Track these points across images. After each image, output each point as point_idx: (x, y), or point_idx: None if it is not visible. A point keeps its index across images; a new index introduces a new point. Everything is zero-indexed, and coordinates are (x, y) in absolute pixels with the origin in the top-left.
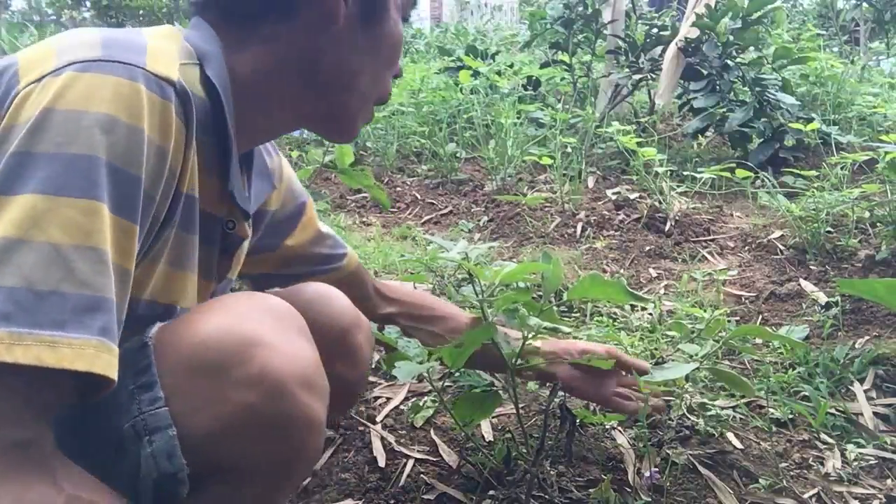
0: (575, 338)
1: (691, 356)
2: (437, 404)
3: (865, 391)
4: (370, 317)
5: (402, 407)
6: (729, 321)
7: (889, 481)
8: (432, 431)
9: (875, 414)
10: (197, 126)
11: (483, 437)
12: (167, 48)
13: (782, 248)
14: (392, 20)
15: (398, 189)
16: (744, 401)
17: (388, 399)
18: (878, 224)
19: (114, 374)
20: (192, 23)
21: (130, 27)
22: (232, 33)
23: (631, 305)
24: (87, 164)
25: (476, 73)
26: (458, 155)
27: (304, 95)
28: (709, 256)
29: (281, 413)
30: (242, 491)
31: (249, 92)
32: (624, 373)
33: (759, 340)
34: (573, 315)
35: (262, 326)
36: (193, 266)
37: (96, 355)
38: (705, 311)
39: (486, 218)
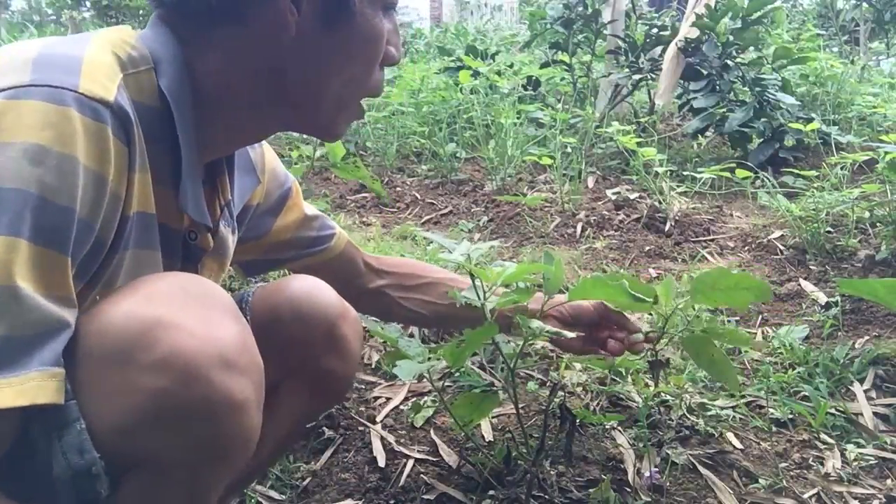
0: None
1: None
2: (437, 404)
3: (865, 391)
4: (364, 292)
5: (402, 407)
6: (728, 321)
7: (889, 481)
8: (432, 431)
9: (875, 414)
10: (147, 138)
11: (483, 437)
12: (107, 61)
13: (782, 248)
14: (361, 16)
15: (398, 189)
16: (744, 401)
17: (388, 399)
18: (878, 224)
19: (60, 397)
20: (151, 21)
21: (123, 26)
22: (189, 33)
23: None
24: (16, 198)
25: (476, 73)
26: (458, 155)
27: (272, 102)
28: (709, 256)
29: (195, 396)
30: (170, 481)
31: (213, 97)
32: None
33: (759, 339)
34: None
35: (171, 307)
36: None
37: (39, 386)
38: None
39: (486, 218)
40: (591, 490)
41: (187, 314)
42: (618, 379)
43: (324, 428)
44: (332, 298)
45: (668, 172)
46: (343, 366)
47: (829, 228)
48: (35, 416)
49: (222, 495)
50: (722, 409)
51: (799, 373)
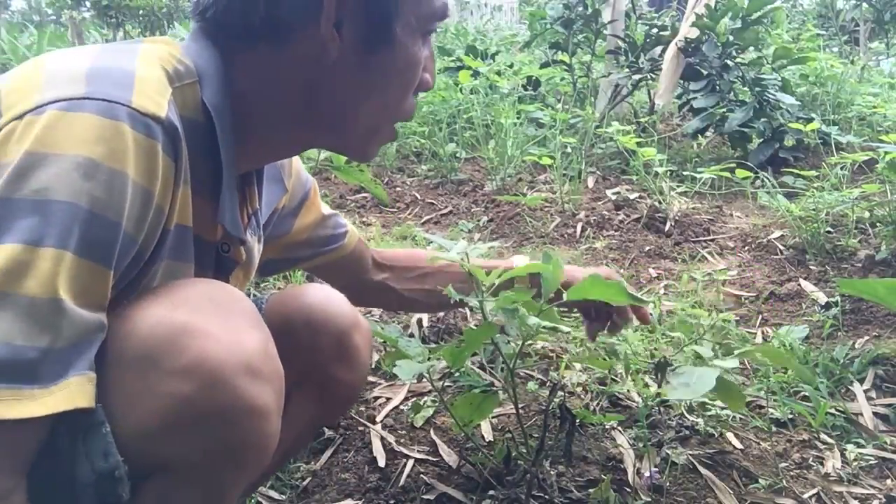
0: (574, 338)
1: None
2: (437, 404)
3: (865, 391)
4: (369, 286)
5: (402, 407)
6: (728, 322)
7: (889, 481)
8: (432, 431)
9: (875, 414)
10: (190, 151)
11: (483, 437)
12: (157, 76)
13: (782, 248)
14: (400, 44)
15: (398, 189)
16: (742, 409)
17: (388, 399)
18: (878, 224)
19: (93, 401)
20: (192, 33)
21: (127, 38)
22: (231, 49)
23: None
24: (66, 212)
25: (476, 73)
26: (457, 155)
27: (307, 122)
28: (709, 256)
29: (220, 402)
30: (190, 485)
31: (250, 113)
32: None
33: (759, 340)
34: (573, 315)
35: (197, 314)
36: None
37: (78, 391)
38: (706, 311)
39: (485, 218)
40: (591, 490)
41: (213, 321)
42: (618, 379)
43: (324, 428)
44: (345, 308)
45: (668, 172)
46: (352, 375)
47: (829, 228)
48: (62, 419)
49: None
50: (722, 409)
51: (799, 372)
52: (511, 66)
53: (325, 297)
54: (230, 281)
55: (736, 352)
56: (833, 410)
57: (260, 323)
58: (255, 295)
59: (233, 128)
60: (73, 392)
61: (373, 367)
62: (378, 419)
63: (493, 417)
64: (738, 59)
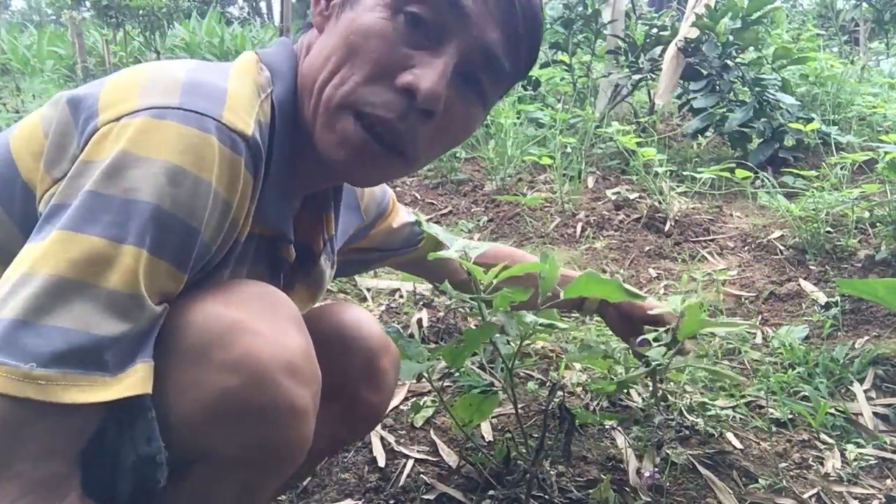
0: (574, 338)
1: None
2: (437, 404)
3: (865, 391)
4: (455, 284)
5: (402, 407)
6: (727, 320)
7: (889, 481)
8: (432, 431)
9: (875, 414)
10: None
11: (483, 437)
12: (245, 93)
13: (782, 248)
14: (360, 10)
15: (398, 189)
16: (744, 401)
17: None
18: (878, 224)
19: (150, 387)
20: (282, 38)
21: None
22: (302, 44)
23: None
24: (151, 213)
25: None
26: (457, 155)
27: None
28: (708, 256)
29: (262, 399)
30: (224, 478)
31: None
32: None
33: (759, 339)
34: (573, 314)
35: (248, 312)
36: None
37: (143, 378)
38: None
39: (485, 218)
40: (590, 490)
41: (262, 321)
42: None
43: None
44: (376, 331)
45: (668, 172)
46: (378, 398)
47: (828, 228)
48: (115, 403)
49: None
50: (722, 409)
51: (799, 373)
52: None
53: (357, 318)
54: (293, 297)
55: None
56: (833, 410)
57: (303, 327)
58: None
59: (296, 129)
60: (138, 379)
61: None
62: None
63: (492, 417)
64: (738, 59)
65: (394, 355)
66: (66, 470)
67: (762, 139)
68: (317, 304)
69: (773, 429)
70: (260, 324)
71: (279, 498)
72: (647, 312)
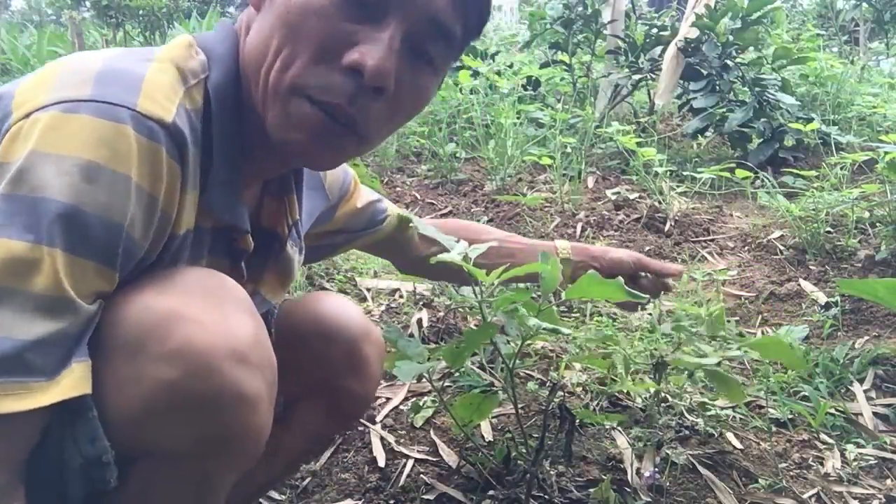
0: (574, 338)
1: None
2: (436, 404)
3: (865, 391)
4: (417, 260)
5: (401, 407)
6: (728, 321)
7: (889, 481)
8: (432, 431)
9: (875, 414)
10: (204, 146)
11: (483, 437)
12: (168, 80)
13: (782, 248)
14: None
15: (398, 189)
16: (744, 401)
17: (388, 399)
18: (878, 224)
19: (90, 387)
20: (222, 20)
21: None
22: (242, 23)
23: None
24: (64, 212)
25: (476, 73)
26: (457, 155)
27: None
28: (708, 256)
29: (206, 389)
30: (177, 473)
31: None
32: (647, 274)
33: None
34: (573, 315)
35: (184, 300)
36: None
37: (81, 378)
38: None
39: (485, 218)
40: (590, 490)
41: (202, 308)
42: (617, 379)
43: None
44: (357, 319)
45: (668, 172)
46: (363, 387)
47: (828, 228)
48: (55, 406)
49: None
50: (722, 409)
51: (799, 373)
52: (511, 66)
53: (336, 307)
54: (262, 288)
55: (736, 346)
56: (833, 410)
57: (252, 311)
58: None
59: (237, 107)
60: (75, 380)
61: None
62: (378, 419)
63: (492, 417)
64: (737, 59)
65: (376, 342)
66: (7, 479)
67: (762, 139)
68: (295, 295)
69: (773, 429)
70: (199, 311)
71: (278, 498)
72: (630, 265)
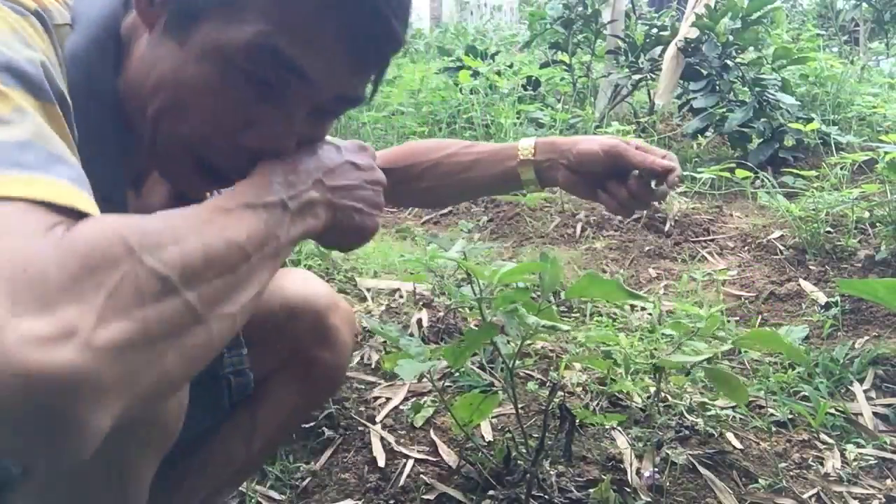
0: (574, 337)
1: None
2: (437, 404)
3: (865, 391)
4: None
5: (401, 407)
6: (728, 321)
7: (889, 481)
8: (432, 431)
9: (875, 414)
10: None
11: (483, 437)
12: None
13: (782, 248)
14: (193, 49)
15: None
16: (746, 401)
17: (388, 399)
18: (878, 224)
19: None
20: None
21: None
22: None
23: (630, 305)
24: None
25: (476, 73)
26: None
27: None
28: (708, 256)
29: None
30: (92, 467)
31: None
32: (638, 172)
33: None
34: (573, 315)
35: None
36: None
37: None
38: (703, 309)
39: (485, 218)
40: (590, 490)
41: None
42: (617, 379)
43: (323, 428)
44: (321, 290)
45: None
46: (334, 357)
47: (828, 228)
48: None
49: (214, 490)
50: (722, 409)
51: (799, 373)
52: (511, 66)
53: (300, 281)
54: None
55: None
56: (833, 410)
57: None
58: None
59: (114, 96)
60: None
61: (373, 366)
62: (378, 419)
63: (493, 417)
64: (737, 59)
65: (344, 310)
66: None
67: (762, 139)
68: None
69: (773, 429)
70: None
71: (278, 497)
72: (602, 156)
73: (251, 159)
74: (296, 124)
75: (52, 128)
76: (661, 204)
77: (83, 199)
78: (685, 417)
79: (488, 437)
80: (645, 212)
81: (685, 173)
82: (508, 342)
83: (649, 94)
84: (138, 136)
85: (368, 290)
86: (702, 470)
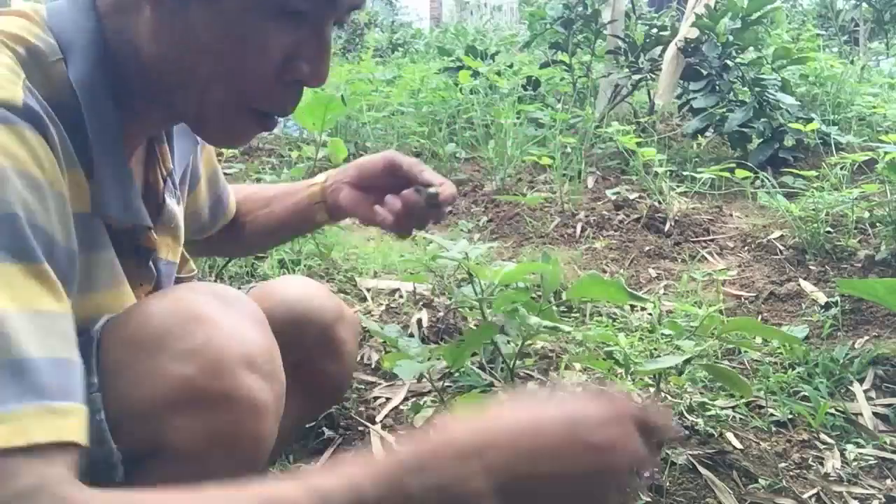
0: (574, 337)
1: (685, 352)
2: (437, 404)
3: (865, 391)
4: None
5: (401, 407)
6: (727, 321)
7: (888, 481)
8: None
9: (874, 414)
10: (70, 134)
11: None
12: (3, 62)
13: (782, 248)
14: (221, 8)
15: None
16: (743, 401)
17: (388, 399)
18: (878, 224)
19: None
20: None
21: (24, 6)
22: (103, 6)
23: (630, 305)
24: None
25: (476, 74)
26: (457, 155)
27: (163, 87)
28: (708, 256)
29: (220, 387)
30: (180, 475)
31: (125, 75)
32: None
33: (759, 340)
34: (573, 315)
35: (208, 306)
36: (110, 284)
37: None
38: (702, 309)
39: (485, 218)
40: None
41: (222, 314)
42: (617, 379)
43: (324, 428)
44: (328, 302)
45: (668, 172)
46: (339, 368)
47: (828, 228)
48: None
49: None
50: (722, 409)
51: (799, 373)
52: (511, 66)
53: (306, 292)
54: (160, 249)
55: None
56: (833, 410)
57: (266, 326)
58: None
59: (115, 98)
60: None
61: (373, 366)
62: (378, 419)
63: None
64: (737, 60)
65: (350, 322)
66: None
67: (762, 139)
68: (268, 283)
69: (773, 429)
70: (220, 317)
71: None
72: (380, 168)
73: (299, 91)
74: (329, 43)
75: (34, 287)
76: (661, 204)
77: (48, 427)
78: (685, 417)
79: None
80: (645, 212)
81: (685, 173)
82: (508, 342)
83: (649, 94)
84: (144, 116)
85: (368, 290)
86: (702, 470)
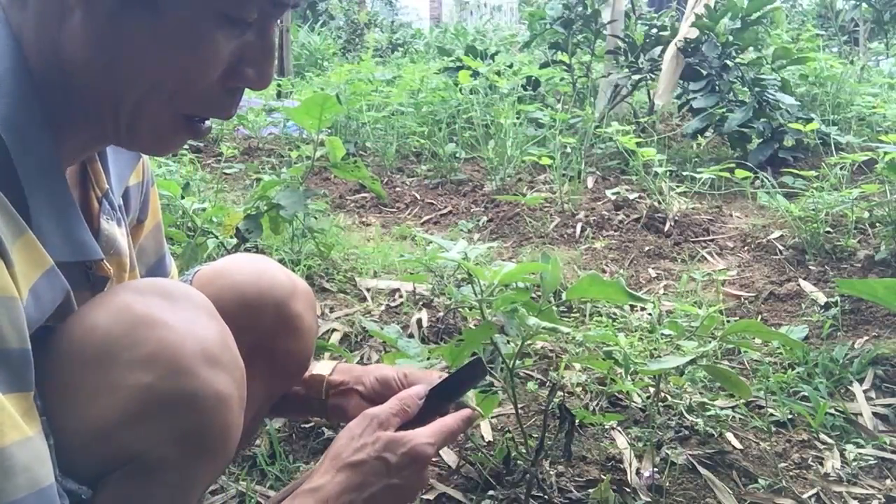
0: (574, 337)
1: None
2: None
3: (865, 391)
4: None
5: None
6: (728, 321)
7: (888, 481)
8: None
9: (874, 414)
10: (8, 195)
11: (483, 437)
12: None
13: (782, 248)
14: (165, 13)
15: (398, 189)
16: (743, 401)
17: None
18: (878, 224)
19: None
20: None
21: None
22: (16, 21)
23: (630, 305)
24: None
25: (475, 74)
26: (457, 155)
27: (90, 99)
28: (708, 257)
29: (183, 389)
30: (153, 481)
31: (53, 96)
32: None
33: (758, 340)
34: (573, 315)
35: (154, 307)
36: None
37: None
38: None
39: (485, 218)
40: (590, 490)
41: (170, 314)
42: (617, 379)
43: (323, 428)
44: (279, 277)
45: (668, 172)
46: (299, 344)
47: (828, 228)
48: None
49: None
50: (721, 409)
51: (798, 373)
52: (511, 66)
53: (255, 270)
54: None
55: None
56: (832, 410)
57: (215, 314)
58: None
59: (44, 125)
60: None
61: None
62: None
63: (492, 417)
64: (737, 60)
65: (303, 296)
66: None
67: (762, 139)
68: (216, 263)
69: (773, 429)
70: (167, 316)
71: (273, 494)
72: (395, 382)
73: (240, 96)
74: (273, 45)
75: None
76: (661, 204)
77: None
78: (685, 417)
79: (488, 437)
80: (645, 212)
81: (685, 173)
82: (508, 342)
83: (649, 94)
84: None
85: (368, 290)
86: (701, 470)
